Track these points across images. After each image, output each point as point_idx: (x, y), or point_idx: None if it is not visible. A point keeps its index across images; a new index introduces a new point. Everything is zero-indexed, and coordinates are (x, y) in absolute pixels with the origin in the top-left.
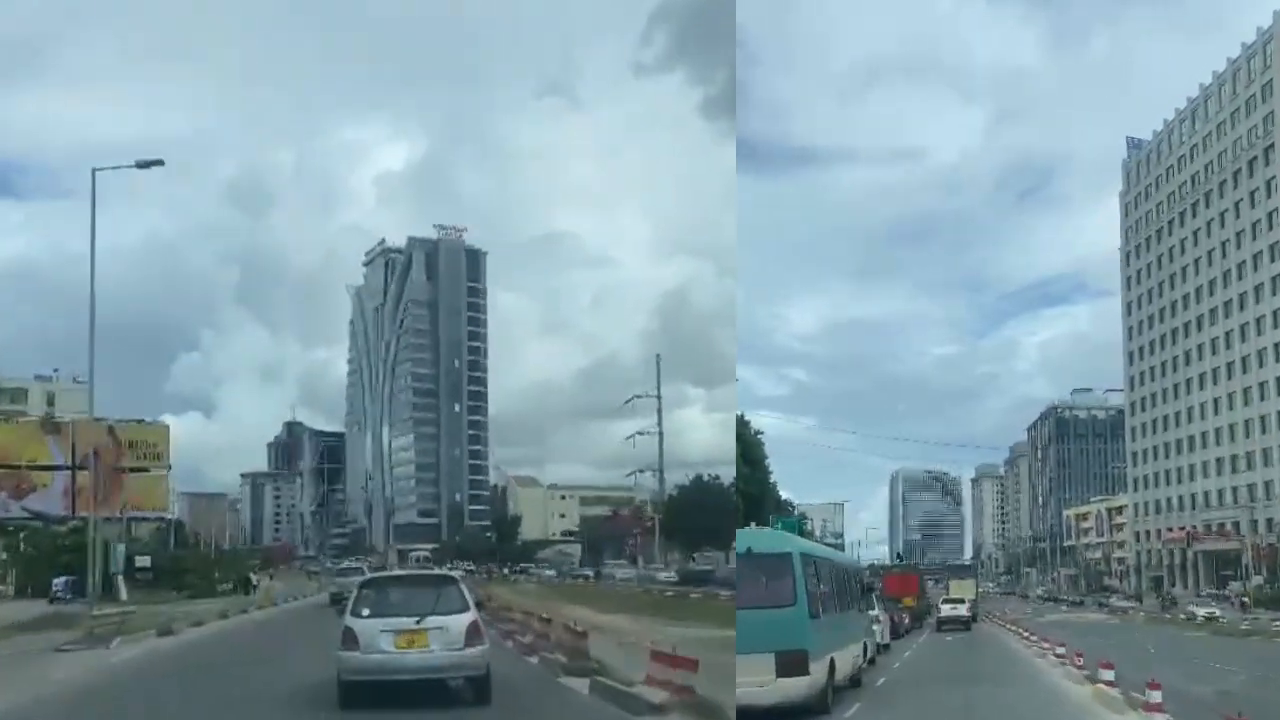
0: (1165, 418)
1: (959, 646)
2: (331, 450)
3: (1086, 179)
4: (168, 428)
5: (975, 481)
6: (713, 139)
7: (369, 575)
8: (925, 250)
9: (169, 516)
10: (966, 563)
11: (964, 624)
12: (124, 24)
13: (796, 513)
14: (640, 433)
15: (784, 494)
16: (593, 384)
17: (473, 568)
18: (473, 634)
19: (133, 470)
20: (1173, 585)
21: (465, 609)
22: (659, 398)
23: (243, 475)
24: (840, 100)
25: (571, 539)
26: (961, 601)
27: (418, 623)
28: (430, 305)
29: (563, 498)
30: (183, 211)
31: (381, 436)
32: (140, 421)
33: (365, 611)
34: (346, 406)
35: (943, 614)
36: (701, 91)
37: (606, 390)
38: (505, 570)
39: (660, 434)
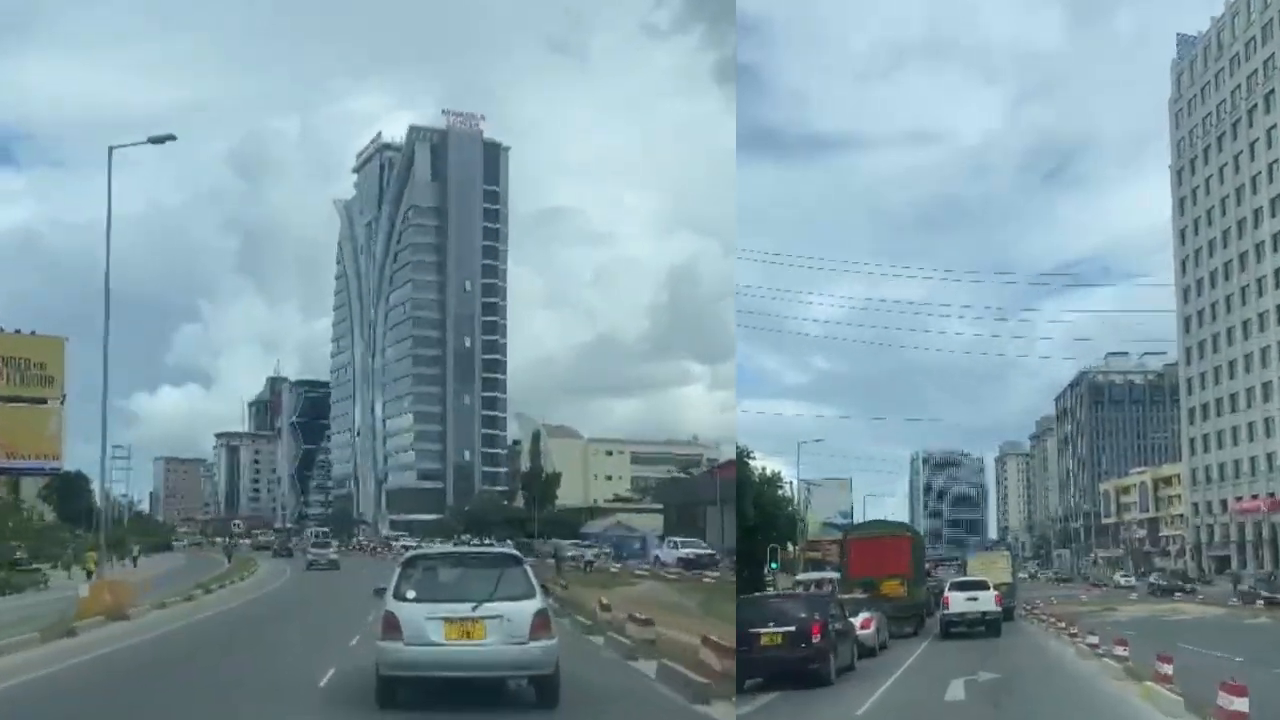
0: (1231, 363)
1: None
2: (315, 403)
3: (1112, 158)
4: (63, 343)
5: (999, 461)
6: (723, 108)
7: (412, 551)
8: (948, 234)
9: (62, 468)
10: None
11: (988, 624)
12: None
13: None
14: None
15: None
16: (595, 360)
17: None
18: (539, 625)
19: (9, 400)
20: (1243, 565)
21: (530, 595)
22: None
23: (217, 436)
24: (861, 84)
25: (640, 503)
26: (983, 587)
27: (474, 609)
28: (437, 212)
29: (609, 453)
30: (184, 180)
31: (373, 381)
32: (20, 333)
33: (410, 594)
34: (332, 348)
35: (950, 609)
36: (714, 56)
37: (609, 366)
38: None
39: None
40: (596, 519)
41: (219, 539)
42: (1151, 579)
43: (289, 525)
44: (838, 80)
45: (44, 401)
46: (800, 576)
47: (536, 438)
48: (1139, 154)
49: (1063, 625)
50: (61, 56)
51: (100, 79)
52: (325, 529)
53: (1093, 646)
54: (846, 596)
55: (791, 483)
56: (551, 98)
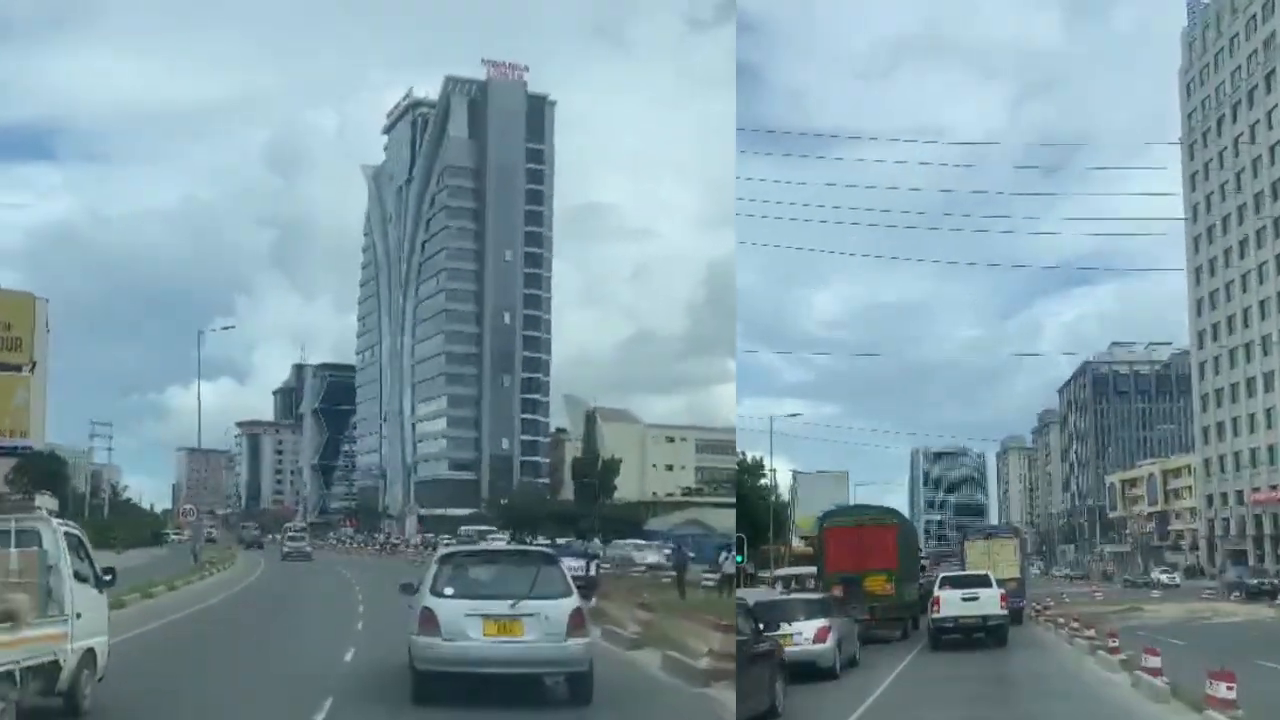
0: (1247, 346)
1: None
2: (339, 388)
3: (1112, 156)
4: (33, 300)
5: (1000, 456)
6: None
7: (449, 549)
8: (949, 232)
9: (33, 446)
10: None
11: (990, 631)
12: None
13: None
14: None
15: None
16: (633, 357)
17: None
18: (576, 624)
19: None
20: (1260, 559)
21: (568, 593)
22: None
23: (238, 425)
24: (862, 82)
25: (714, 496)
26: (984, 583)
27: (512, 607)
28: (475, 174)
29: (670, 440)
30: (220, 173)
31: (402, 362)
32: None
33: (448, 591)
34: (358, 328)
35: (943, 613)
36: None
37: (647, 364)
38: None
39: None
40: (660, 514)
41: (241, 531)
42: (1230, 576)
43: (310, 520)
44: (839, 80)
45: (15, 369)
46: (780, 572)
47: (590, 420)
48: (1140, 151)
49: (1090, 634)
50: (98, 51)
51: (137, 73)
52: (303, 525)
53: (1154, 671)
54: (799, 596)
55: (774, 470)
56: (593, 92)
